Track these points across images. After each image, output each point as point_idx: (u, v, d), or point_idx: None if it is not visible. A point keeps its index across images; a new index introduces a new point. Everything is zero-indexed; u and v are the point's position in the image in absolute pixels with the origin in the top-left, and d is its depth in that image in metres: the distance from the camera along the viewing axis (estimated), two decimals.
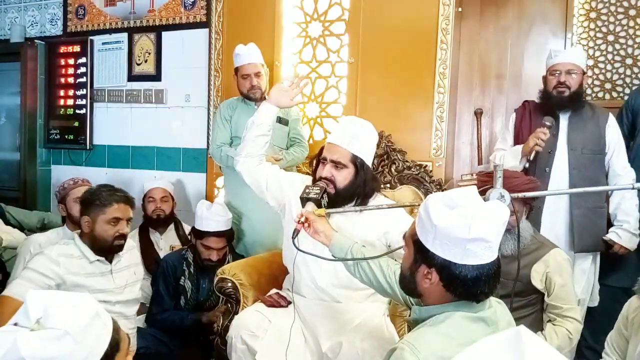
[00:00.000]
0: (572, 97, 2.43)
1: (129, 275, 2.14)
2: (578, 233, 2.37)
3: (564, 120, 2.48)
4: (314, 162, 2.12)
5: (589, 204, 2.40)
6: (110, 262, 2.08)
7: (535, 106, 2.57)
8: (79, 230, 2.09)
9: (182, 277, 2.52)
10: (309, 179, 2.14)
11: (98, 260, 2.04)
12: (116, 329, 0.98)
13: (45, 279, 1.88)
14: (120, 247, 2.07)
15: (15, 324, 0.88)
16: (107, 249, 2.04)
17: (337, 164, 1.95)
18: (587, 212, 2.39)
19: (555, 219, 2.43)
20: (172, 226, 3.05)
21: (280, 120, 2.85)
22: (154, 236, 2.99)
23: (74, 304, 0.93)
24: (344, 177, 1.95)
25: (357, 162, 1.96)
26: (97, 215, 2.00)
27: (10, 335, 0.86)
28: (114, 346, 0.96)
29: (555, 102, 2.45)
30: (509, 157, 2.49)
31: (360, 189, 1.98)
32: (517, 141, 2.57)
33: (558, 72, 2.44)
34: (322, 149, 2.04)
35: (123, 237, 2.05)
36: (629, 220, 2.40)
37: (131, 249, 2.23)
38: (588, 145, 2.41)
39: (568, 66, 2.44)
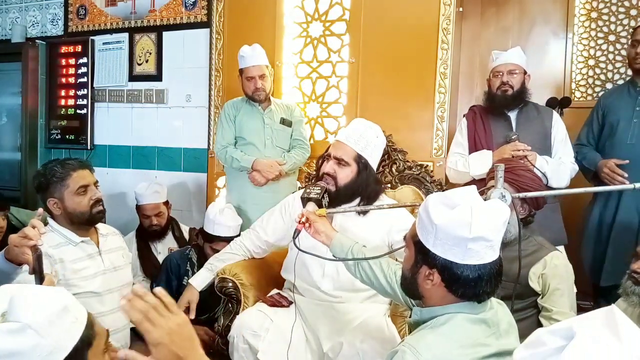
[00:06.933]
0: (515, 96, 2.49)
1: (116, 258, 2.00)
2: (540, 231, 2.37)
3: (512, 121, 2.52)
4: (319, 160, 2.12)
5: None
6: (97, 243, 1.95)
7: (483, 109, 2.62)
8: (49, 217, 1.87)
9: (186, 277, 2.52)
10: (296, 195, 2.19)
11: (83, 241, 1.89)
12: (90, 325, 0.95)
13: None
14: (102, 214, 1.89)
15: None
16: (87, 221, 1.88)
17: (340, 161, 1.96)
18: (543, 209, 2.39)
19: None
20: (168, 230, 3.06)
21: (283, 121, 2.85)
22: (152, 242, 2.99)
23: (41, 297, 0.90)
24: (345, 175, 1.96)
25: (360, 162, 1.97)
26: (62, 192, 1.83)
27: None
28: (86, 341, 0.93)
29: (499, 101, 2.51)
30: (476, 163, 2.49)
31: (361, 189, 1.98)
32: (473, 145, 2.59)
33: (500, 73, 2.51)
34: (329, 146, 2.05)
35: (99, 202, 1.89)
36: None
37: (114, 234, 2.10)
38: (536, 143, 2.43)
39: (509, 67, 2.50)
